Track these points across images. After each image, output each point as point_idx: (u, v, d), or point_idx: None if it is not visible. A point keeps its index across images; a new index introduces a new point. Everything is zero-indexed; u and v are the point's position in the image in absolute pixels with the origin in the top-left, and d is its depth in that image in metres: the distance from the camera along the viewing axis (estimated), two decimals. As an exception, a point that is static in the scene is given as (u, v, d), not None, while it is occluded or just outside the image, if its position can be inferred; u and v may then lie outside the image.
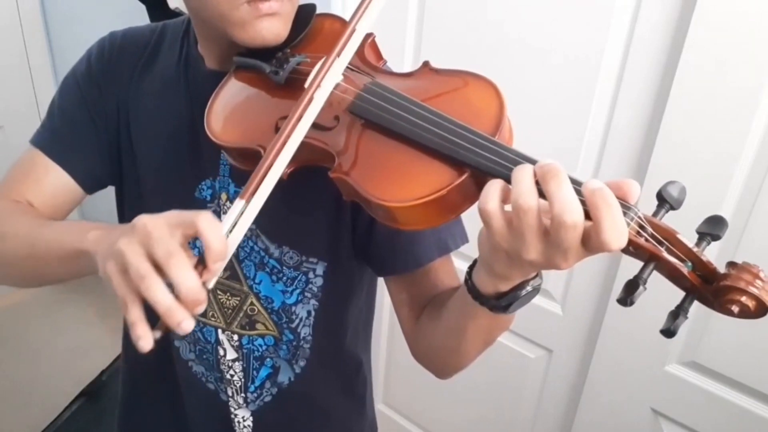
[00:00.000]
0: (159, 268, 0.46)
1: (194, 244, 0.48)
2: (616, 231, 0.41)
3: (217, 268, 0.48)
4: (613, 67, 1.16)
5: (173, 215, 0.49)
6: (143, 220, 0.48)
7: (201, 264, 0.47)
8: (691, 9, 1.02)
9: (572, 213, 0.41)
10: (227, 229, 0.50)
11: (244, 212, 0.51)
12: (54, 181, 0.77)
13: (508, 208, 0.45)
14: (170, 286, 0.46)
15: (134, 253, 0.47)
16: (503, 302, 0.53)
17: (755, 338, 1.12)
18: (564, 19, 1.19)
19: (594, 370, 1.38)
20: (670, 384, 1.25)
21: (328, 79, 0.58)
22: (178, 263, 0.46)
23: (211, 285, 0.49)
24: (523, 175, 0.43)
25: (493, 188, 0.45)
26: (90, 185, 0.80)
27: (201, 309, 0.47)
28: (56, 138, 0.78)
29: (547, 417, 1.56)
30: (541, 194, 0.43)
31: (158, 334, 0.47)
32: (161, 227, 0.47)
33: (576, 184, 0.43)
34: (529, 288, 0.52)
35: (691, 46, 1.03)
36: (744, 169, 1.04)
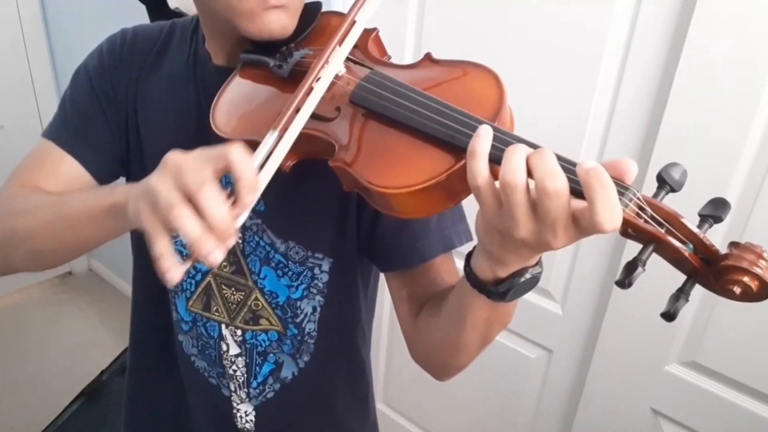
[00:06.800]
0: (190, 200, 0.45)
1: (228, 181, 0.48)
2: (610, 212, 0.41)
3: (248, 200, 0.47)
4: (618, 47, 1.16)
5: (203, 150, 0.48)
6: (173, 155, 0.48)
7: (232, 196, 0.47)
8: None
9: (554, 180, 0.42)
10: (259, 162, 0.50)
11: (276, 146, 0.51)
12: (67, 171, 0.77)
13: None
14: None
15: (165, 185, 0.46)
16: (501, 288, 0.53)
17: (755, 338, 1.12)
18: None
19: (594, 370, 1.38)
20: (670, 384, 1.25)
21: (330, 65, 0.58)
22: (209, 192, 0.45)
23: (240, 221, 0.48)
24: (513, 153, 0.44)
25: (482, 164, 0.45)
26: (102, 176, 0.80)
27: (231, 242, 0.46)
28: (68, 129, 0.79)
29: (547, 417, 1.56)
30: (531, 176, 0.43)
31: (187, 265, 0.46)
32: (192, 160, 0.47)
33: (571, 165, 0.44)
34: (528, 275, 0.52)
35: (696, 28, 1.03)
36: (751, 150, 1.03)
